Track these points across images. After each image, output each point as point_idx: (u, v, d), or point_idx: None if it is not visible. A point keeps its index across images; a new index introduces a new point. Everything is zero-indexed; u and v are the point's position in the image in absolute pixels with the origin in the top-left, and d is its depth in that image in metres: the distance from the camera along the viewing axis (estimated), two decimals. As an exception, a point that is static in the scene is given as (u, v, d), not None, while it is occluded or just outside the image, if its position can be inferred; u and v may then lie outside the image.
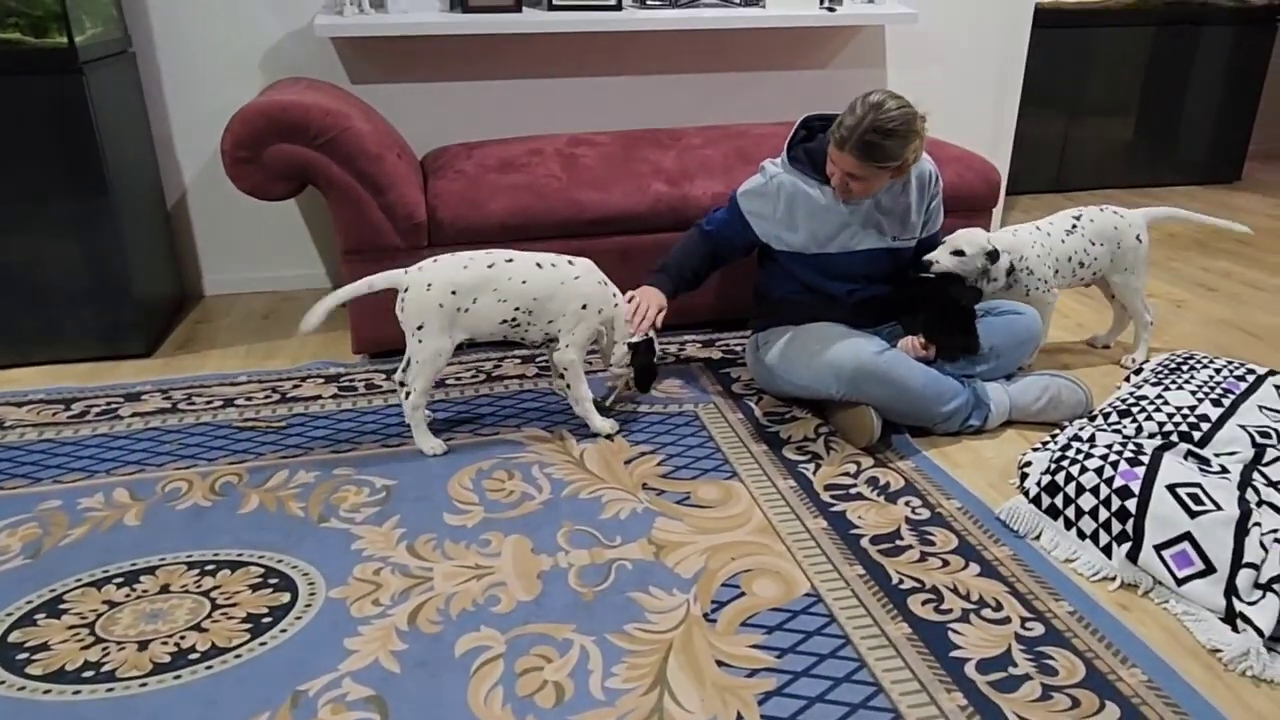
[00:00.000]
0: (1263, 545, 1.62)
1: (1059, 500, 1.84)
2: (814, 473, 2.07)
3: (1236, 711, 1.41)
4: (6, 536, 1.83)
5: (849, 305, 2.28)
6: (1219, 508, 1.66)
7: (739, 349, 2.72)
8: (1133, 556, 1.69)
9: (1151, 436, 2.01)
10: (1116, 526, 1.73)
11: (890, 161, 2.04)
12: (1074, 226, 2.45)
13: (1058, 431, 2.09)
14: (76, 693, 1.45)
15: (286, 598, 1.66)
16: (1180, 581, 1.64)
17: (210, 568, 1.74)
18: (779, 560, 1.76)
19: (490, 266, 2.07)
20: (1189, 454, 1.88)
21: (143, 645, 1.54)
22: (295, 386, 2.48)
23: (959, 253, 2.27)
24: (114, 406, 2.36)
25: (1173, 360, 2.33)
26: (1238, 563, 1.60)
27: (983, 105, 3.65)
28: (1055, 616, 1.61)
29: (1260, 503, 1.77)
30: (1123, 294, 2.53)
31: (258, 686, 1.45)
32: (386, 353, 2.61)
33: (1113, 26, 4.41)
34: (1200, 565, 1.63)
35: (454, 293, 2.03)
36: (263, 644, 1.54)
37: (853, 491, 2.00)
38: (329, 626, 1.58)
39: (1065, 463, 1.87)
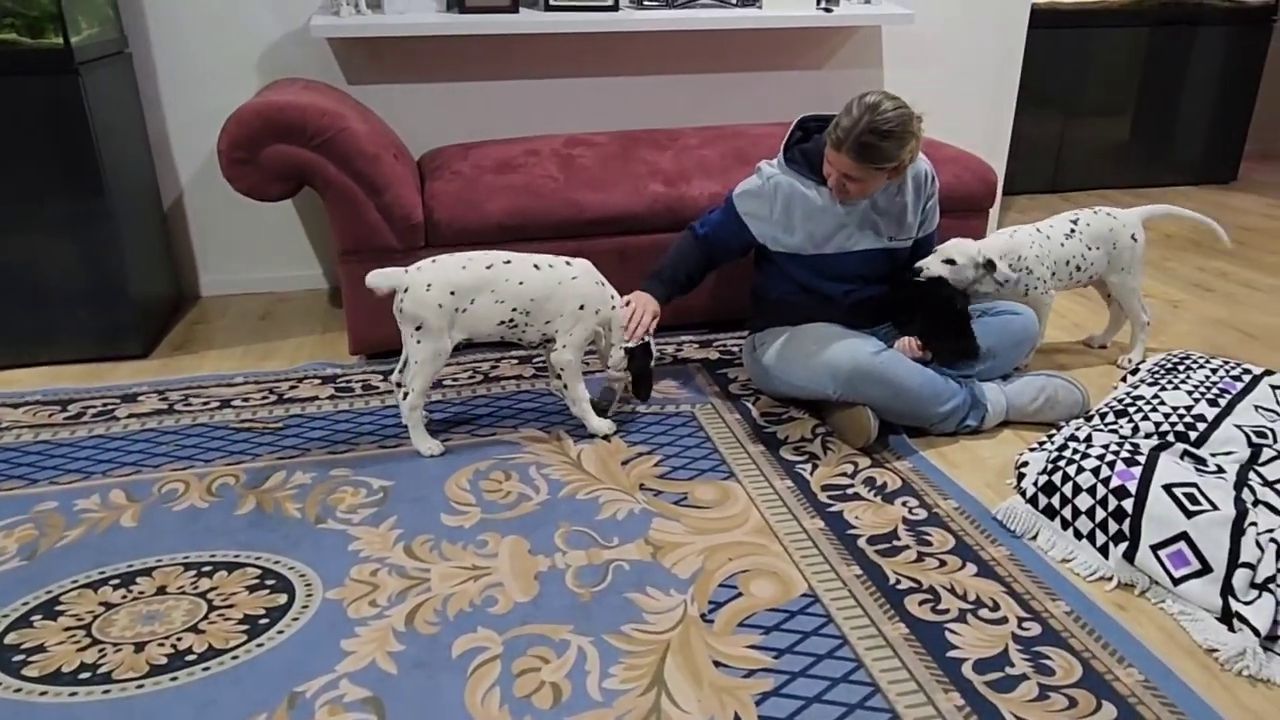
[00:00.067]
0: (1259, 545, 1.62)
1: (1056, 500, 1.84)
2: (811, 473, 2.07)
3: (1233, 711, 1.41)
4: (3, 538, 1.83)
5: (846, 306, 2.28)
6: (1215, 507, 1.66)
7: (736, 349, 2.72)
8: (1129, 556, 1.69)
9: (1148, 436, 2.02)
10: (1113, 526, 1.73)
11: (887, 162, 2.05)
12: (1072, 230, 2.46)
13: (1054, 431, 2.09)
14: (73, 694, 1.44)
15: (283, 599, 1.65)
16: (1177, 581, 1.64)
17: (207, 569, 1.74)
18: (776, 561, 1.76)
19: (488, 267, 2.07)
20: (1185, 454, 1.88)
21: (139, 647, 1.54)
22: (292, 387, 2.48)
23: (950, 261, 2.27)
24: (110, 407, 2.36)
25: (1169, 360, 2.34)
26: (1234, 562, 1.60)
27: (979, 106, 3.65)
28: (1052, 616, 1.61)
29: (1256, 502, 1.78)
30: (1119, 294, 2.54)
31: (255, 688, 1.45)
32: (383, 353, 2.61)
33: (1109, 27, 4.41)
34: (1196, 565, 1.63)
35: (453, 293, 2.03)
36: (259, 645, 1.54)
37: (850, 492, 2.00)
38: (326, 628, 1.58)
39: (1062, 463, 1.87)
